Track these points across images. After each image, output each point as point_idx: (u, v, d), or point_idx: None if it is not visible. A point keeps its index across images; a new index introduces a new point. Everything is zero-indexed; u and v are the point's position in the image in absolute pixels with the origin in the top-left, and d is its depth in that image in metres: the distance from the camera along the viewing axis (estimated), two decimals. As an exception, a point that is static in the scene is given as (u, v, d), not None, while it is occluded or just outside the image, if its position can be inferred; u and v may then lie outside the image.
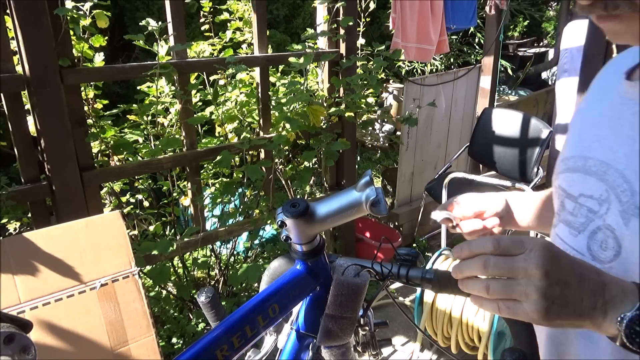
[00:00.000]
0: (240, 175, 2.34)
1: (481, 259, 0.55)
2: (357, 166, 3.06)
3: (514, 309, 0.53)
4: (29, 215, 1.82)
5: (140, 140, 2.12)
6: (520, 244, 0.54)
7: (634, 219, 0.60)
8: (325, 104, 2.57)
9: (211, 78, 2.34)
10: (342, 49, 2.57)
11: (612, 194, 0.64)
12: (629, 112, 0.66)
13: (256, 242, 2.71)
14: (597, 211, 0.66)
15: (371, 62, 2.62)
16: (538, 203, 0.92)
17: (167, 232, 2.47)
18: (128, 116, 2.17)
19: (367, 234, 3.06)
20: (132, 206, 2.25)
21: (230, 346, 0.68)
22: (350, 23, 2.44)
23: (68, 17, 1.70)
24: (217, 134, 2.50)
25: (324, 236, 0.83)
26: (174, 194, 2.23)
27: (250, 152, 2.47)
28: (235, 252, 2.59)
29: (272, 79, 2.57)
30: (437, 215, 0.87)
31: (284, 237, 0.75)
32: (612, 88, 0.72)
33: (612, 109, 0.70)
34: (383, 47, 2.55)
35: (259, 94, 2.33)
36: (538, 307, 0.51)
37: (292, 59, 2.31)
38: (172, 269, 2.29)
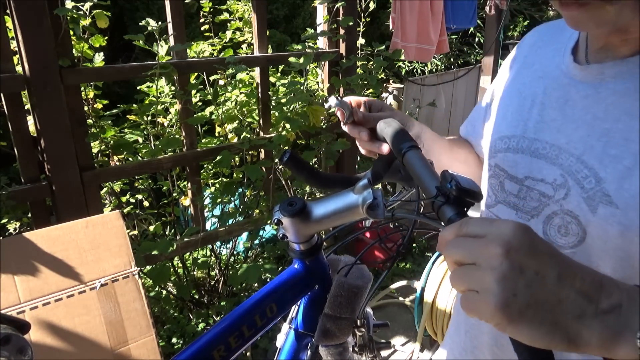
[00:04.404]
0: (240, 175, 2.34)
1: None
2: (357, 166, 3.05)
3: (472, 303, 0.40)
4: (29, 215, 1.82)
5: (140, 140, 2.12)
6: (489, 223, 0.42)
7: (603, 206, 0.56)
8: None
9: (211, 78, 2.33)
10: (342, 49, 2.57)
11: (570, 180, 0.61)
12: (578, 95, 0.63)
13: (256, 242, 2.71)
14: (552, 196, 0.63)
15: (371, 62, 2.62)
16: (443, 149, 0.87)
17: (167, 232, 2.47)
18: (128, 116, 2.17)
19: (367, 234, 3.05)
20: (132, 206, 2.25)
21: (227, 347, 0.68)
22: (350, 23, 2.44)
23: (68, 17, 1.70)
24: (217, 134, 2.50)
25: (322, 235, 0.83)
26: (174, 194, 2.23)
27: (250, 152, 2.47)
28: (235, 252, 2.59)
29: (272, 79, 2.57)
30: (332, 100, 0.79)
31: (281, 236, 0.75)
32: (553, 66, 0.68)
33: (557, 89, 0.66)
34: (383, 47, 2.55)
35: (259, 94, 2.33)
36: (493, 298, 0.38)
37: (292, 59, 2.31)
38: (172, 269, 2.29)
